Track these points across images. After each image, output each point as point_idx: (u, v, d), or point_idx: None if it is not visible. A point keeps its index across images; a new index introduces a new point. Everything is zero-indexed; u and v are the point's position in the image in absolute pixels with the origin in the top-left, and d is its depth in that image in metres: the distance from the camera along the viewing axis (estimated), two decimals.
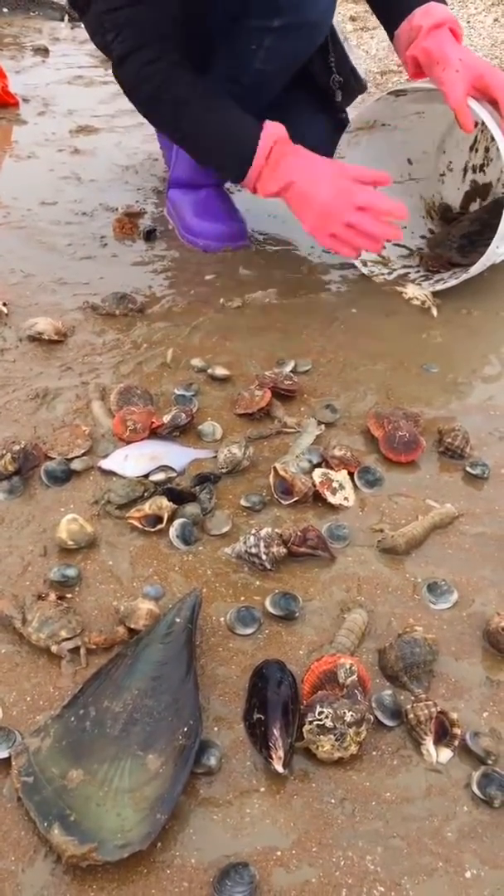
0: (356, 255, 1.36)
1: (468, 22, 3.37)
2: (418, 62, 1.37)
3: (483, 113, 1.34)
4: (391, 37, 1.44)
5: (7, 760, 0.73)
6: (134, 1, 1.32)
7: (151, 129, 2.17)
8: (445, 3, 1.39)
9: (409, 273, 1.62)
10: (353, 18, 3.09)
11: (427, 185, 1.79)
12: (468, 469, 1.12)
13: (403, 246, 1.70)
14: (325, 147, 1.60)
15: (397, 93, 1.48)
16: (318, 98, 1.63)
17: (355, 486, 1.08)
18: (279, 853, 0.69)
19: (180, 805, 0.71)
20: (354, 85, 1.61)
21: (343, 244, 1.34)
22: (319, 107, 1.64)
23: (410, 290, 1.52)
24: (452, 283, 1.50)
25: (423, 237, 1.74)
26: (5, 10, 3.41)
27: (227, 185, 1.80)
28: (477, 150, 1.74)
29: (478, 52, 3.08)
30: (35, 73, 2.76)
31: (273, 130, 1.32)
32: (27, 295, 1.49)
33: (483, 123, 1.37)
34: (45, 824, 0.68)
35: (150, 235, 1.72)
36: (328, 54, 1.56)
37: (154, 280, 1.57)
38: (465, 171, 1.77)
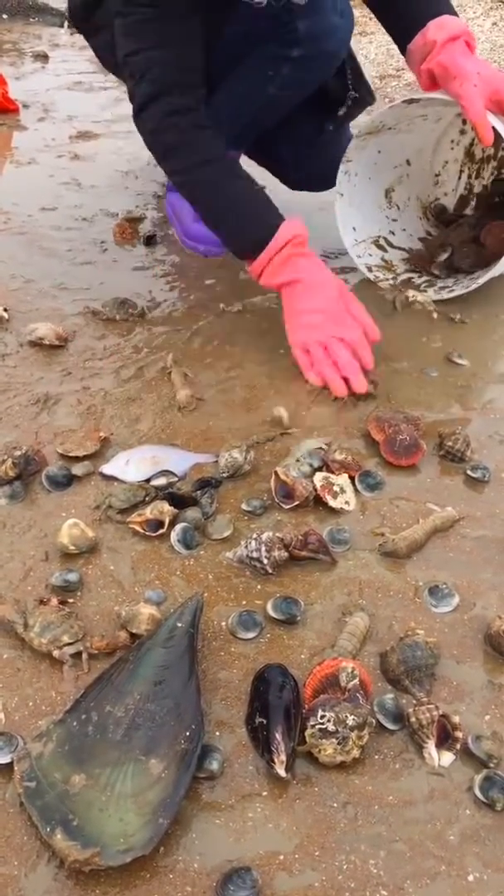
0: (317, 382, 1.28)
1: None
2: (433, 75, 1.35)
3: (501, 127, 1.34)
4: (403, 51, 1.41)
5: (9, 765, 0.73)
6: (158, 44, 1.27)
7: None
8: (456, 13, 1.37)
9: (412, 279, 1.63)
10: None
11: (423, 185, 1.79)
12: (469, 472, 1.12)
13: (403, 248, 1.70)
14: (318, 152, 1.61)
15: (411, 101, 1.48)
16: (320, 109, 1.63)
17: (356, 489, 1.09)
18: (282, 857, 0.69)
19: (183, 809, 0.71)
20: (368, 99, 1.62)
21: (309, 363, 1.29)
22: (321, 117, 1.63)
23: (411, 294, 1.53)
24: (459, 291, 1.50)
25: (421, 239, 1.74)
26: (5, 16, 3.42)
27: None
28: (473, 154, 1.74)
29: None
30: (35, 79, 2.77)
31: (294, 227, 1.29)
32: (28, 300, 1.49)
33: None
34: (48, 829, 0.68)
35: (150, 240, 1.72)
36: (346, 72, 1.55)
37: (154, 285, 1.58)
38: (460, 173, 1.77)
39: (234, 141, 1.53)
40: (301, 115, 1.57)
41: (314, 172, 1.68)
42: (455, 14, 1.37)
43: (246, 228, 1.33)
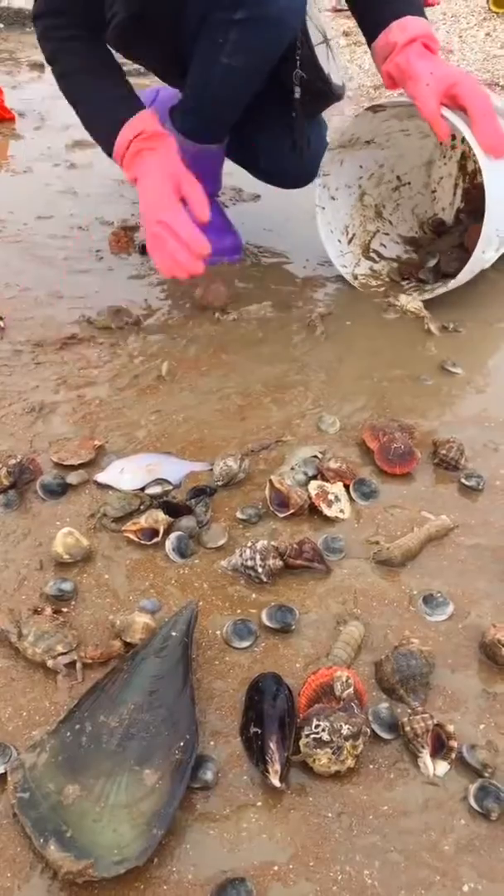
0: (160, 270, 1.34)
1: (460, 36, 3.40)
2: (392, 76, 1.40)
3: (458, 122, 1.36)
4: (371, 50, 1.45)
5: (3, 776, 0.73)
6: None
7: None
8: (424, 14, 1.40)
9: (402, 284, 1.64)
10: (346, 34, 3.11)
11: (419, 200, 1.81)
12: (463, 481, 1.12)
13: (392, 259, 1.71)
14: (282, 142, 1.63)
15: (375, 108, 1.49)
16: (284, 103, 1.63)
17: (351, 498, 1.09)
18: (276, 868, 0.69)
19: (177, 820, 0.71)
20: (323, 88, 1.60)
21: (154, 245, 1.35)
22: (282, 110, 1.63)
23: (403, 300, 1.53)
24: (441, 290, 1.51)
25: (409, 248, 1.75)
26: (1, 25, 3.44)
27: (221, 198, 1.82)
28: (466, 168, 1.76)
29: (470, 66, 3.11)
30: (31, 89, 2.78)
31: (140, 122, 1.37)
32: (23, 308, 1.49)
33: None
34: (42, 840, 0.67)
35: (145, 249, 1.72)
36: (296, 51, 1.55)
37: (150, 293, 1.58)
38: (455, 187, 1.78)
39: (207, 127, 1.57)
40: (269, 104, 1.59)
41: (285, 166, 1.69)
42: (422, 14, 1.40)
43: (101, 129, 1.44)
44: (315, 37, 1.56)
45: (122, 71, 1.49)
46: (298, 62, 1.54)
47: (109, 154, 1.42)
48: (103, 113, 1.44)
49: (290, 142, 1.64)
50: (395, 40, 1.36)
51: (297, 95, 1.57)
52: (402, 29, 1.36)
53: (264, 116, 1.62)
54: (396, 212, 1.77)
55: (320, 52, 1.57)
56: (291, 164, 1.67)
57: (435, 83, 1.34)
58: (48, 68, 1.53)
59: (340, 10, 3.03)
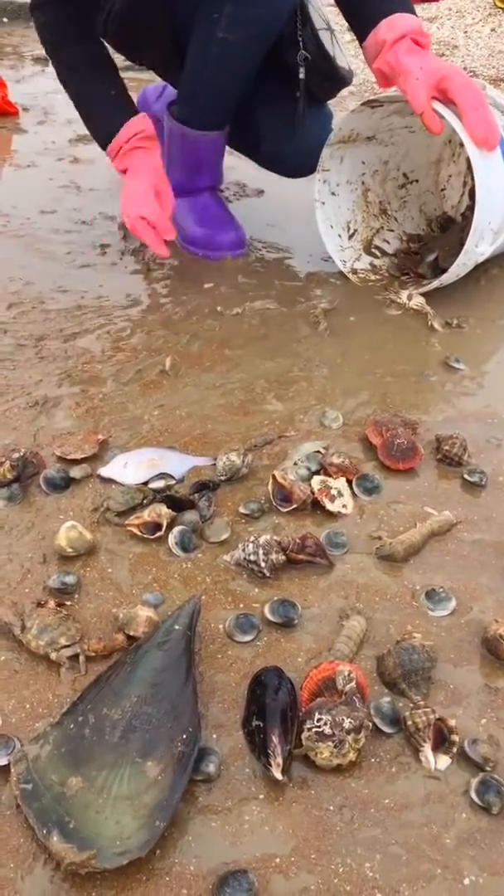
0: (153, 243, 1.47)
1: (465, 32, 3.39)
2: (383, 73, 1.40)
3: (448, 115, 1.36)
4: (362, 51, 1.45)
5: (6, 767, 0.73)
6: None
7: None
8: (413, 10, 1.40)
9: (402, 279, 1.64)
10: (348, 28, 3.10)
11: (428, 199, 1.81)
12: (466, 476, 1.13)
13: (392, 255, 1.71)
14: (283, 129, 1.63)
15: (371, 103, 1.49)
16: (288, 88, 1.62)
17: (354, 493, 1.09)
18: (278, 860, 0.69)
19: (179, 812, 0.71)
20: (327, 70, 1.59)
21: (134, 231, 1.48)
22: (287, 95, 1.62)
23: (404, 297, 1.53)
24: (434, 285, 1.51)
25: (410, 243, 1.75)
26: (5, 19, 3.43)
27: (223, 192, 1.82)
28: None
29: (475, 62, 3.10)
30: (35, 83, 2.77)
31: (136, 124, 1.49)
32: (27, 303, 1.49)
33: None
34: (44, 831, 0.68)
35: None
36: (297, 32, 1.55)
37: (153, 288, 1.58)
38: (465, 184, 1.78)
39: (205, 110, 1.57)
40: (274, 88, 1.60)
41: (286, 151, 1.68)
42: (410, 10, 1.39)
43: (101, 124, 1.55)
44: (318, 22, 1.56)
45: (117, 68, 1.55)
46: (301, 43, 1.54)
47: (102, 146, 1.54)
48: (104, 110, 1.53)
49: (293, 127, 1.63)
50: (384, 38, 1.37)
51: (301, 76, 1.57)
52: (390, 26, 1.36)
53: (268, 100, 1.62)
54: (403, 209, 1.77)
55: (324, 36, 1.57)
56: (293, 149, 1.66)
57: (424, 77, 1.34)
58: (51, 63, 1.54)
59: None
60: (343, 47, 1.65)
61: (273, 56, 1.52)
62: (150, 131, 1.49)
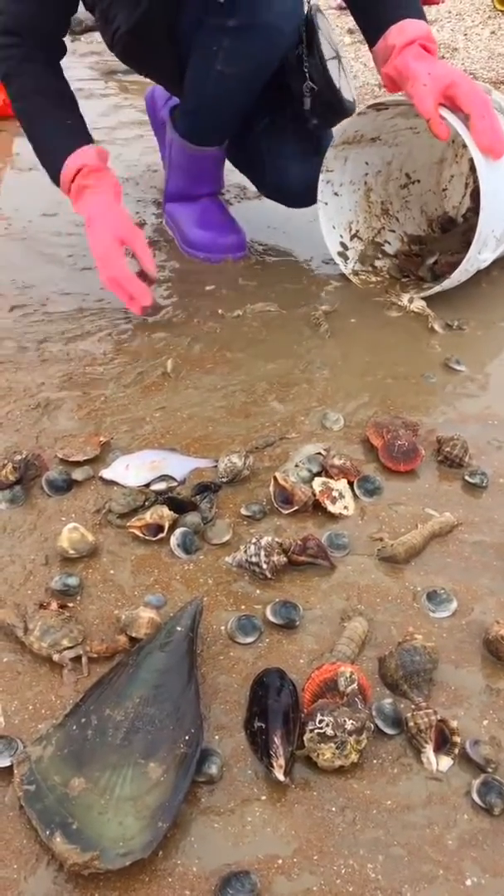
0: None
1: (465, 34, 3.40)
2: (392, 78, 1.41)
3: (455, 122, 1.36)
4: (372, 55, 1.46)
5: (9, 769, 0.74)
6: None
7: (151, 142, 2.19)
8: (423, 16, 1.40)
9: (402, 281, 1.64)
10: (351, 31, 3.11)
11: (429, 199, 1.81)
12: (467, 478, 1.13)
13: (393, 256, 1.71)
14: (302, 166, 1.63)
15: (377, 106, 1.50)
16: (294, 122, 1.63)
17: (355, 495, 1.09)
18: (280, 861, 0.69)
19: (182, 813, 0.71)
20: (333, 101, 1.57)
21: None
22: (294, 127, 1.63)
23: (405, 300, 1.54)
24: (435, 289, 1.51)
25: (412, 245, 1.75)
26: None
27: (224, 195, 1.82)
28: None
29: (475, 65, 3.10)
30: None
31: (81, 157, 1.39)
32: (28, 305, 1.49)
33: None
34: (48, 832, 0.68)
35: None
36: (303, 65, 1.55)
37: (155, 291, 1.58)
38: (466, 186, 1.78)
39: (205, 132, 1.59)
40: (280, 118, 1.60)
41: (290, 181, 1.68)
42: (421, 16, 1.40)
43: (48, 158, 1.46)
44: (327, 51, 1.56)
45: (75, 99, 1.50)
46: (307, 74, 1.54)
47: (55, 182, 1.46)
48: (51, 141, 1.46)
49: (298, 161, 1.64)
50: (393, 43, 1.37)
51: (306, 107, 1.57)
52: (400, 32, 1.37)
53: (273, 130, 1.62)
54: (404, 209, 1.77)
55: (332, 67, 1.57)
56: (297, 179, 1.66)
57: (432, 83, 1.34)
58: None
59: (345, 8, 3.03)
60: (350, 77, 1.65)
61: (278, 79, 1.53)
62: (92, 164, 1.40)
